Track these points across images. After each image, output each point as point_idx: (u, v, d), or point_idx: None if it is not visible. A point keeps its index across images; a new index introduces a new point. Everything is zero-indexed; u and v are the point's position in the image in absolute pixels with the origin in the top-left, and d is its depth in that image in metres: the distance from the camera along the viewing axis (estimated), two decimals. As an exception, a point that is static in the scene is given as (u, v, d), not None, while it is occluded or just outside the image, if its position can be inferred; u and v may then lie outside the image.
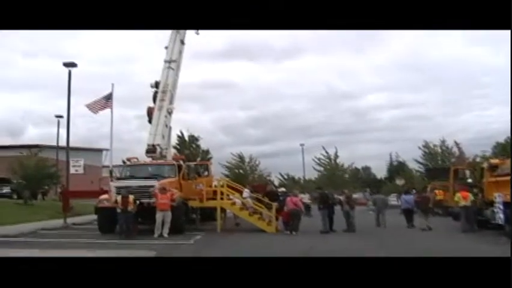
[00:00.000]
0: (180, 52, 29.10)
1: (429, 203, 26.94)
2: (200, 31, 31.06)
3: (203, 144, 59.30)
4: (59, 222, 25.54)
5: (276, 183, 65.74)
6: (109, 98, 32.76)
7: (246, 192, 26.49)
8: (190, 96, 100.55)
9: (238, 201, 24.78)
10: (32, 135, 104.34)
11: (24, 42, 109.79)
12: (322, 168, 68.14)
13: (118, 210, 19.89)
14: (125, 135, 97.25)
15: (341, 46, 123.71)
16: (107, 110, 32.79)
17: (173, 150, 35.86)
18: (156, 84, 27.42)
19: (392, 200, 42.71)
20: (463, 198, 22.27)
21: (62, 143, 36.47)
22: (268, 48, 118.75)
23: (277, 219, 23.12)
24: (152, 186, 20.91)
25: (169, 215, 19.94)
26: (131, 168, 24.13)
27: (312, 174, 71.94)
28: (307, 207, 33.37)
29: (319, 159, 68.06)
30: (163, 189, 20.29)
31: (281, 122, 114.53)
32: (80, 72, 37.37)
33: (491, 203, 20.87)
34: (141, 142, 27.49)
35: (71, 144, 29.97)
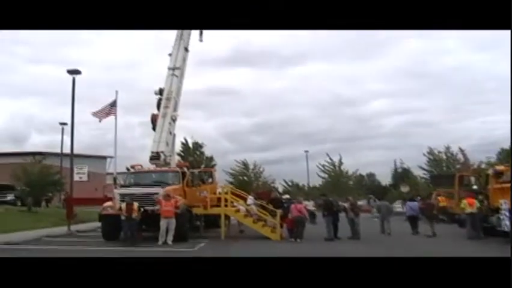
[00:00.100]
0: (184, 59, 29.12)
1: (434, 210, 26.84)
2: (204, 38, 31.22)
3: (207, 151, 59.37)
4: (63, 229, 25.51)
5: (280, 190, 65.68)
6: (113, 105, 32.78)
7: (250, 199, 26.43)
8: (194, 103, 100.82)
9: (242, 208, 24.70)
10: (36, 142, 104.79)
11: (28, 49, 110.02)
12: (326, 175, 68.02)
13: (123, 218, 19.87)
14: (129, 142, 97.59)
15: (344, 53, 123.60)
16: (111, 117, 32.82)
17: (177, 157, 35.91)
18: (160, 91, 27.44)
19: (397, 206, 42.57)
20: (469, 205, 22.13)
21: (66, 150, 36.48)
22: (272, 55, 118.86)
23: (281, 226, 23.03)
24: (156, 194, 20.85)
25: (173, 222, 19.88)
26: (135, 175, 24.10)
27: (316, 181, 71.86)
28: (312, 214, 33.23)
29: (323, 166, 68.03)
30: (167, 196, 20.23)
31: (285, 128, 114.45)
32: (84, 79, 37.43)
33: (497, 210, 20.74)
34: (145, 149, 27.52)
35: (75, 152, 29.94)
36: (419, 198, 30.80)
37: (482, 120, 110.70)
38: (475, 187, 27.07)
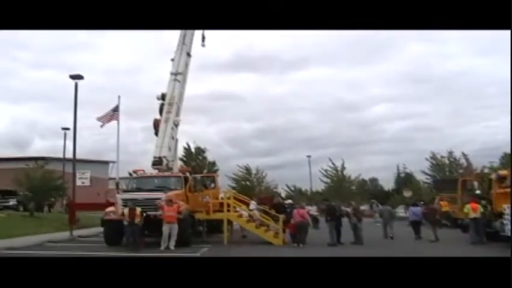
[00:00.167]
0: (186, 64, 29.15)
1: (437, 215, 26.77)
2: (206, 43, 31.22)
3: (209, 156, 59.31)
4: (65, 234, 25.48)
5: (283, 195, 65.65)
6: (115, 110, 32.79)
7: (253, 204, 26.38)
8: (196, 108, 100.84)
9: (245, 213, 24.67)
10: (38, 147, 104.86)
11: (30, 54, 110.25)
12: (329, 180, 67.92)
13: (125, 223, 19.84)
14: (131, 147, 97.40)
15: (346, 57, 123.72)
16: (114, 122, 32.81)
17: (179, 162, 35.82)
18: (162, 97, 27.48)
19: (400, 211, 42.48)
20: (473, 210, 22.03)
21: (69, 155, 36.52)
22: (274, 60, 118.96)
23: (284, 231, 22.98)
24: (158, 199, 20.82)
25: (175, 228, 19.84)
26: (138, 180, 24.09)
27: (319, 186, 71.78)
28: (315, 219, 33.19)
29: (326, 170, 67.90)
30: (170, 202, 20.20)
31: (287, 133, 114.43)
32: (87, 84, 37.50)
33: (500, 215, 20.65)
34: (147, 154, 27.52)
35: (78, 157, 29.99)
36: (421, 203, 30.70)
37: (485, 125, 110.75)
38: (478, 192, 26.95)
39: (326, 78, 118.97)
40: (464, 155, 58.62)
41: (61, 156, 46.36)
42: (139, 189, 22.84)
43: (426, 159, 61.78)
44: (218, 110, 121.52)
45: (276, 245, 22.10)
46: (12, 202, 38.80)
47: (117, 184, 26.36)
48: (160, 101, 27.50)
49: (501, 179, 22.15)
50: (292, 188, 76.79)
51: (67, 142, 45.83)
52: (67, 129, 41.57)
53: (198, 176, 26.43)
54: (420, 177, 64.34)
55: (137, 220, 19.80)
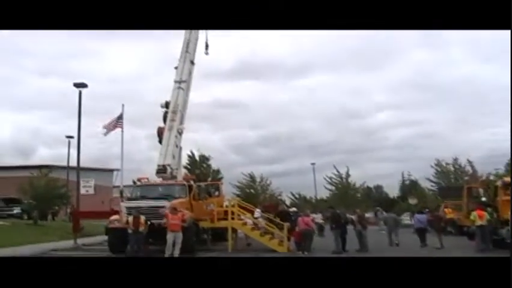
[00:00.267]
0: (190, 72, 29.17)
1: (442, 222, 26.63)
2: (209, 51, 31.29)
3: (214, 164, 59.29)
4: (69, 243, 25.45)
5: (288, 202, 65.47)
6: (119, 118, 32.82)
7: (257, 212, 26.33)
8: (200, 116, 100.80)
9: (249, 221, 24.60)
10: (42, 155, 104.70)
11: (34, 62, 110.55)
12: (333, 188, 67.79)
13: (129, 231, 19.80)
14: (135, 155, 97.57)
15: (350, 64, 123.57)
16: (118, 130, 32.84)
17: (183, 170, 35.82)
18: (166, 105, 27.47)
19: (405, 219, 42.32)
20: (479, 218, 21.87)
21: (73, 163, 36.47)
22: (278, 68, 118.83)
23: (289, 239, 22.89)
24: (162, 207, 20.76)
25: (180, 236, 19.72)
26: (142, 188, 24.04)
27: (323, 194, 71.60)
28: (320, 227, 33.11)
29: (330, 178, 67.80)
30: (174, 210, 20.11)
31: (292, 141, 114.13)
32: (91, 92, 37.47)
33: (507, 222, 20.53)
34: (152, 162, 27.48)
35: (82, 165, 29.94)
36: (427, 210, 30.55)
37: (490, 132, 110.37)
38: (483, 199, 26.80)
39: (329, 85, 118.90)
40: (470, 162, 58.50)
41: (65, 164, 46.34)
42: (143, 198, 22.79)
43: (431, 166, 61.72)
44: (222, 117, 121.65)
45: (281, 252, 22.00)
46: (16, 210, 38.78)
47: (121, 192, 26.36)
48: (164, 109, 27.50)
49: (507, 186, 22.02)
50: (297, 196, 76.68)
51: (71, 150, 45.79)
52: (71, 137, 41.55)
53: (202, 184, 26.40)
54: (425, 184, 64.23)
55: (141, 228, 19.77)
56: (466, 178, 54.58)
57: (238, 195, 55.94)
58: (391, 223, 26.91)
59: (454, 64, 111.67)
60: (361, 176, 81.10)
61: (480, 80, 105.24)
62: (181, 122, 27.06)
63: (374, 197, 75.17)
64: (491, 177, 45.15)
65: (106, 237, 22.73)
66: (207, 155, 59.23)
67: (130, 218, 20.04)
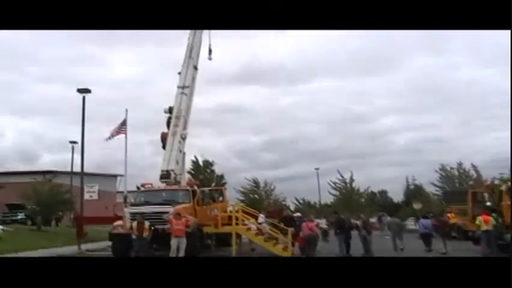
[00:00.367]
0: (193, 77, 29.19)
1: (447, 227, 26.54)
2: (212, 56, 31.28)
3: (217, 169, 59.15)
4: (73, 248, 25.40)
5: (292, 207, 65.33)
6: (123, 124, 32.86)
7: (261, 217, 26.26)
8: (204, 121, 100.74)
9: (253, 226, 24.53)
10: (46, 161, 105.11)
11: (38, 68, 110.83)
12: (338, 193, 67.55)
13: (133, 237, 19.76)
14: (139, 160, 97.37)
15: (354, 69, 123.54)
16: (122, 136, 32.86)
17: (187, 176, 35.75)
18: (170, 110, 27.47)
19: (410, 224, 42.16)
20: (485, 222, 21.78)
21: (77, 168, 36.52)
22: (281, 72, 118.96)
23: (293, 244, 22.81)
24: (166, 212, 20.72)
25: (184, 241, 19.67)
26: (146, 194, 24.01)
27: (327, 199, 71.39)
28: (325, 232, 33.01)
29: (334, 183, 67.54)
30: (178, 215, 20.07)
31: (295, 146, 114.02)
32: (95, 97, 37.58)
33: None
34: (155, 167, 27.48)
35: (86, 170, 29.99)
36: (431, 215, 30.43)
37: (494, 136, 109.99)
38: (488, 204, 26.69)
39: (333, 89, 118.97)
40: (474, 166, 58.25)
41: (69, 170, 46.38)
42: (147, 203, 22.76)
43: (436, 171, 61.51)
44: (225, 122, 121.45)
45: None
46: (20, 216, 38.85)
47: (125, 198, 26.37)
48: (168, 115, 27.51)
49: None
50: (301, 201, 76.47)
51: (75, 156, 45.85)
52: (75, 142, 41.58)
53: (206, 189, 26.39)
54: (430, 189, 63.98)
55: (145, 234, 19.74)
56: (471, 183, 54.43)
57: (242, 201, 55.89)
58: (395, 228, 26.80)
59: (457, 68, 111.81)
60: (365, 180, 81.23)
61: (484, 84, 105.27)
62: (185, 128, 27.04)
63: (378, 202, 74.92)
64: (496, 182, 44.98)
65: (109, 243, 22.68)
66: (210, 160, 59.16)
67: (134, 224, 20.03)
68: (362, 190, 67.85)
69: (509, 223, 21.20)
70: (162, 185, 24.68)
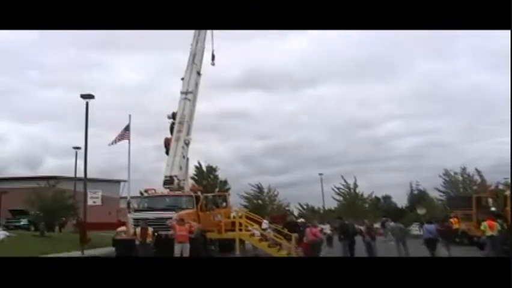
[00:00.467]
0: (196, 83, 29.22)
1: (451, 232, 26.45)
2: (216, 61, 31.36)
3: (221, 175, 58.99)
4: (76, 254, 25.32)
5: (296, 213, 65.13)
6: (126, 129, 32.85)
7: (265, 223, 26.22)
8: (207, 126, 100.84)
9: (257, 232, 24.50)
10: (50, 166, 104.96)
11: (41, 73, 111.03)
12: (341, 198, 67.38)
13: (137, 242, 19.71)
14: (142, 166, 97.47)
15: (357, 75, 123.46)
16: (125, 141, 32.84)
17: (191, 181, 35.74)
18: (173, 115, 27.49)
19: (414, 229, 42.01)
20: (490, 228, 21.69)
21: (80, 174, 36.51)
22: (285, 78, 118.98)
23: (297, 250, 22.74)
24: (170, 218, 20.68)
25: (187, 247, 19.60)
26: (149, 199, 24.01)
27: (331, 204, 71.25)
28: (329, 237, 32.92)
29: (338, 188, 67.37)
30: (181, 221, 20.02)
31: (299, 151, 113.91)
32: (98, 103, 37.53)
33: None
34: (159, 173, 27.45)
35: (89, 176, 29.94)
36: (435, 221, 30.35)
37: (498, 141, 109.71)
38: (493, 209, 26.61)
39: (337, 95, 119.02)
40: (478, 171, 58.02)
41: (73, 175, 46.37)
42: (150, 209, 22.77)
43: (440, 176, 61.30)
44: (229, 128, 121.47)
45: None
46: (23, 222, 38.84)
47: (128, 203, 26.36)
48: (171, 120, 27.53)
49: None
50: (305, 206, 76.32)
51: (78, 161, 45.87)
52: (78, 148, 41.60)
53: (210, 195, 26.36)
54: (434, 194, 63.74)
55: (148, 240, 19.69)
56: (475, 188, 54.25)
57: (245, 206, 55.73)
58: (398, 233, 26.68)
59: (461, 73, 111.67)
60: (369, 186, 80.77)
61: (487, 89, 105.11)
62: (188, 133, 27.05)
63: (382, 207, 74.70)
64: (500, 187, 44.82)
65: (113, 249, 22.61)
66: (214, 165, 59.08)
67: (138, 230, 19.99)
68: (365, 195, 67.68)
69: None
70: (165, 191, 24.68)
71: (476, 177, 57.76)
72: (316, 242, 21.99)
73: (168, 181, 24.48)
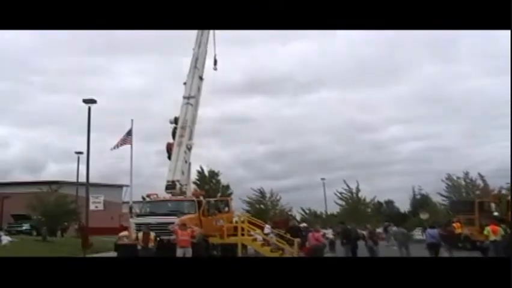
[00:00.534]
0: (199, 88, 29.20)
1: (454, 237, 26.39)
2: (218, 66, 31.37)
3: (223, 180, 59.06)
4: (78, 259, 25.30)
5: (298, 218, 65.03)
6: (129, 134, 32.85)
7: (267, 227, 26.18)
8: (209, 131, 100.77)
9: (259, 237, 24.45)
10: (52, 171, 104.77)
11: (43, 78, 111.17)
12: (344, 203, 67.29)
13: (139, 247, 19.65)
14: (145, 171, 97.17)
15: (359, 79, 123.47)
16: (127, 146, 32.83)
17: (193, 186, 35.69)
18: (175, 120, 27.47)
19: (417, 234, 41.90)
20: (493, 233, 21.63)
21: (82, 179, 36.54)
22: (286, 82, 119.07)
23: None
24: (172, 223, 20.63)
25: (189, 252, 19.54)
26: (151, 204, 23.97)
27: (334, 209, 71.20)
28: (331, 242, 32.86)
29: (340, 193, 67.28)
30: (183, 226, 19.97)
31: (301, 156, 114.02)
32: (100, 107, 37.56)
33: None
34: (161, 178, 27.43)
35: (91, 180, 30.01)
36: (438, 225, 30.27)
37: (501, 145, 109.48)
38: (495, 214, 26.53)
39: (339, 99, 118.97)
40: (481, 176, 57.90)
41: (75, 180, 46.39)
42: (152, 213, 22.70)
43: (442, 180, 61.17)
44: (231, 132, 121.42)
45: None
46: (25, 227, 38.84)
47: (130, 208, 26.31)
48: (173, 125, 27.51)
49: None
50: (307, 211, 76.26)
51: (80, 166, 45.90)
52: (81, 153, 41.65)
53: (212, 199, 26.29)
54: (437, 198, 63.65)
55: (151, 244, 19.60)
56: (478, 192, 54.14)
57: (247, 211, 55.69)
58: (401, 238, 26.61)
59: (463, 77, 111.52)
60: (371, 190, 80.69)
61: (489, 93, 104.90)
62: (190, 138, 27.01)
63: (385, 212, 74.62)
64: (503, 192, 44.71)
65: (115, 254, 22.58)
66: (216, 170, 59.12)
67: (140, 234, 19.91)
68: (368, 200, 67.54)
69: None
70: (168, 196, 24.61)
71: (479, 182, 57.65)
72: (318, 247, 21.95)
73: (170, 186, 24.44)
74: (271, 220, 35.77)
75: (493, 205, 28.79)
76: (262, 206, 64.24)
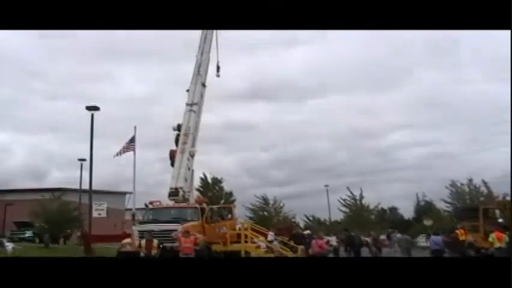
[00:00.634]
0: (201, 95, 29.18)
1: (458, 244, 26.28)
2: (220, 73, 31.39)
3: (226, 187, 58.86)
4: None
5: (301, 225, 64.90)
6: (132, 141, 32.80)
7: (271, 235, 26.08)
8: (212, 138, 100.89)
9: (262, 244, 24.35)
10: (55, 178, 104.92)
11: (46, 85, 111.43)
12: (347, 210, 67.12)
13: (142, 255, 19.59)
14: (148, 178, 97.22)
15: (363, 85, 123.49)
16: (130, 153, 32.78)
17: (196, 193, 35.61)
18: (178, 127, 27.43)
19: (421, 241, 41.73)
20: (498, 240, 21.52)
21: (86, 186, 36.48)
22: (290, 89, 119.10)
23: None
24: (175, 230, 20.57)
25: (192, 259, 19.53)
26: (154, 211, 23.95)
27: (337, 216, 70.97)
28: (335, 249, 32.75)
29: (344, 200, 67.11)
30: (186, 233, 19.90)
31: (304, 162, 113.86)
32: (103, 114, 37.56)
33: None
34: (164, 185, 27.38)
35: (94, 188, 29.97)
36: (442, 232, 30.15)
37: (504, 151, 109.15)
38: (500, 220, 26.39)
39: (342, 105, 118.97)
40: (485, 182, 57.69)
41: (78, 187, 46.39)
42: (155, 221, 22.66)
43: (446, 187, 60.98)
44: (234, 139, 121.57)
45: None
46: (27, 234, 38.80)
47: (133, 215, 26.21)
48: (176, 132, 27.48)
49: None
50: (311, 218, 76.07)
51: (83, 173, 45.90)
52: (84, 160, 41.66)
53: (215, 206, 26.24)
54: (441, 205, 63.41)
55: (154, 252, 19.56)
56: (482, 199, 53.95)
57: (251, 218, 55.54)
58: (405, 245, 26.53)
59: (466, 83, 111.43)
60: (375, 197, 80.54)
61: (492, 99, 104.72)
62: (193, 145, 26.96)
63: (389, 219, 74.38)
64: (507, 198, 44.52)
65: (117, 261, 22.53)
66: (219, 177, 58.97)
67: (143, 242, 19.88)
68: (372, 207, 67.36)
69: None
70: (171, 203, 24.56)
71: (483, 189, 57.45)
72: (322, 254, 21.87)
73: (173, 193, 24.38)
74: (274, 227, 35.60)
75: (497, 212, 28.60)
76: (265, 213, 64.01)
